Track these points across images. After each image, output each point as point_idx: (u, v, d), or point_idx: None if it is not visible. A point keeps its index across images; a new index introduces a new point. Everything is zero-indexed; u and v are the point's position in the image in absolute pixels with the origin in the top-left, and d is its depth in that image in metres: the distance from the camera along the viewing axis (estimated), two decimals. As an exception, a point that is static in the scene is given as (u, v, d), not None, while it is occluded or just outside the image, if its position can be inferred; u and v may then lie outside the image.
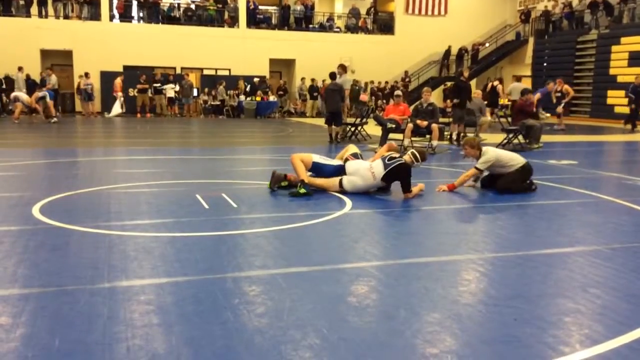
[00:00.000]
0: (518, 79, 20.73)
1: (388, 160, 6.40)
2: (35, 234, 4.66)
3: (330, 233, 5.00)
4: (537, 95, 16.25)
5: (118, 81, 22.26)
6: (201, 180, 7.53)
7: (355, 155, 6.85)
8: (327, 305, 3.25)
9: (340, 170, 6.71)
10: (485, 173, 7.08)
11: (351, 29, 28.35)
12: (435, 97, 25.59)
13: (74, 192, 6.50)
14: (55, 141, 13.55)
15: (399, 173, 6.34)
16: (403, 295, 3.45)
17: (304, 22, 27.48)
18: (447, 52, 27.89)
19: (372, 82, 26.50)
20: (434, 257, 4.27)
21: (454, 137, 13.33)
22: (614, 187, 7.78)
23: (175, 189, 6.93)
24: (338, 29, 28.47)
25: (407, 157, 6.53)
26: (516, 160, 6.97)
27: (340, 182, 6.46)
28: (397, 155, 6.54)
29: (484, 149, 6.97)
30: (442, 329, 2.96)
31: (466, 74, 14.43)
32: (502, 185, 6.91)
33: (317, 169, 6.85)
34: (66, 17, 24.19)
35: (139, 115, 22.55)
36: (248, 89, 24.27)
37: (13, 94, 19.26)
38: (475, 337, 2.86)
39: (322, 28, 27.99)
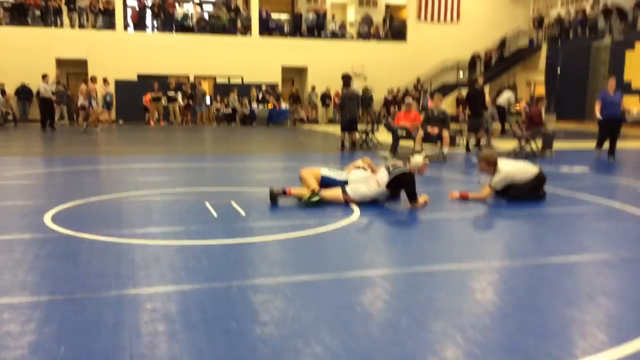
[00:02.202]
0: (510, 87, 20.74)
1: (392, 169, 6.40)
2: (46, 242, 4.73)
3: (336, 242, 5.01)
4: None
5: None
6: (211, 188, 7.58)
7: (358, 168, 6.94)
8: (330, 314, 3.26)
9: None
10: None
11: (363, 36, 28.41)
12: (448, 104, 25.66)
13: (85, 200, 6.58)
14: (71, 149, 13.71)
15: (403, 181, 6.32)
16: (407, 304, 3.45)
17: (316, 30, 27.60)
18: (472, 60, 27.82)
19: (390, 90, 26.38)
20: (439, 266, 4.26)
21: (471, 145, 13.21)
22: (626, 195, 7.71)
23: (185, 197, 6.99)
24: (350, 36, 28.54)
25: (410, 166, 6.50)
26: (529, 170, 6.91)
27: (343, 189, 6.45)
28: (401, 164, 6.52)
29: (499, 166, 6.86)
30: (445, 338, 2.96)
31: (480, 80, 14.26)
32: (514, 193, 6.86)
33: (327, 183, 6.85)
34: (81, 26, 24.56)
35: (152, 123, 22.74)
36: (260, 96, 24.39)
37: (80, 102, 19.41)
38: (478, 346, 2.86)
39: (334, 35, 28.08)
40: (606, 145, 11.67)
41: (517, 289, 3.78)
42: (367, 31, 28.45)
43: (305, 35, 27.42)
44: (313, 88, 26.02)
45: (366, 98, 25.84)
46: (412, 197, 6.30)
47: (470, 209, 6.42)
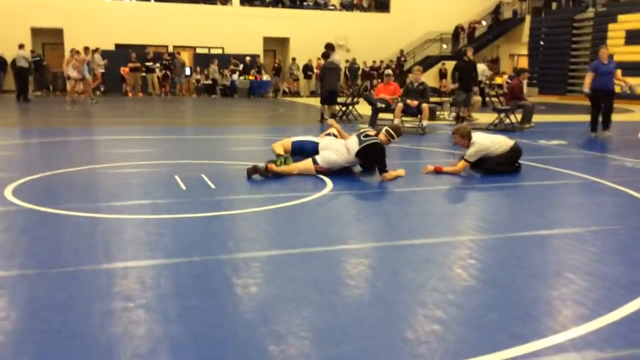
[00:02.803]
0: (492, 60, 20.17)
1: (363, 137, 6.28)
2: (4, 216, 4.57)
3: (305, 215, 4.92)
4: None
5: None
6: (184, 161, 7.42)
7: (328, 135, 6.80)
8: (292, 288, 3.17)
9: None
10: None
11: (346, 6, 28.01)
12: (431, 76, 25.51)
13: (52, 172, 6.39)
14: (44, 121, 13.40)
15: (372, 152, 6.22)
16: (372, 279, 3.38)
17: (299, 0, 27.16)
18: (456, 31, 27.58)
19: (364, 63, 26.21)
20: (407, 241, 4.19)
21: (451, 118, 12.99)
22: (602, 168, 7.69)
23: (155, 170, 6.82)
24: (333, 7, 28.12)
25: (382, 136, 6.38)
26: (505, 143, 6.85)
27: (314, 159, 6.34)
28: (373, 133, 6.40)
29: (473, 138, 6.79)
30: (406, 314, 2.89)
31: (470, 53, 13.15)
32: (488, 167, 6.79)
33: (300, 147, 6.75)
34: (57, -6, 23.84)
35: (130, 94, 22.33)
36: (241, 67, 24.01)
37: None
38: (439, 323, 2.78)
39: (317, 6, 27.65)
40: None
41: (484, 264, 3.71)
42: (350, 1, 28.03)
43: (287, 5, 26.96)
44: (293, 60, 25.66)
45: (353, 69, 25.63)
46: (382, 169, 6.20)
47: (443, 183, 6.34)
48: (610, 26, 22.77)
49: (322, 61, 13.67)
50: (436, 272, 3.53)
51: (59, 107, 16.62)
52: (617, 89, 11.37)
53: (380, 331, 2.69)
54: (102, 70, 21.41)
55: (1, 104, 17.84)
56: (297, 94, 25.58)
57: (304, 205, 5.17)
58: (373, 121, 11.59)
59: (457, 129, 7.02)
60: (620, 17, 22.54)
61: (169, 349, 2.47)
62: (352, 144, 6.29)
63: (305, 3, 27.39)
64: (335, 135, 6.90)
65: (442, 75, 26.08)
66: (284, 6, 26.82)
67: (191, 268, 3.48)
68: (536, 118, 13.49)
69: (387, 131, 6.45)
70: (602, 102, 10.73)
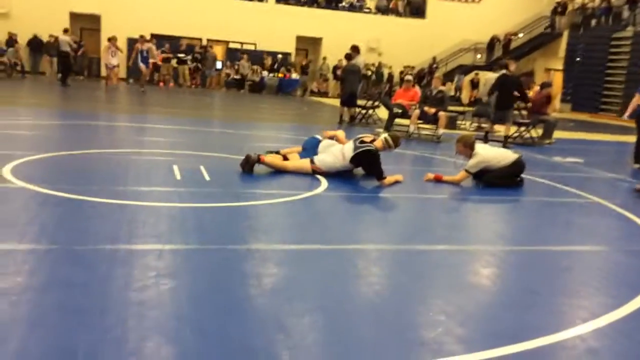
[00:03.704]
0: (495, 69, 19.09)
1: (359, 143, 6.28)
2: (-4, 192, 4.73)
3: (289, 213, 4.96)
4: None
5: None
6: (190, 152, 7.52)
7: (331, 138, 6.77)
8: (236, 282, 3.21)
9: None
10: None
11: (381, 10, 27.94)
12: (464, 86, 25.25)
13: (55, 153, 6.56)
14: (71, 104, 13.73)
15: (365, 159, 6.21)
16: (328, 282, 3.39)
17: (334, 0, 27.17)
18: (491, 42, 27.25)
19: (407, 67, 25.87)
20: (373, 245, 4.20)
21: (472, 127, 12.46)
22: (609, 189, 7.52)
23: (157, 159, 6.94)
24: (368, 10, 28.08)
25: (378, 143, 6.34)
26: (507, 157, 6.77)
27: (312, 159, 6.37)
28: (369, 139, 6.39)
29: (475, 149, 6.73)
30: (334, 321, 2.90)
31: (512, 67, 11.53)
32: (489, 179, 6.73)
33: (311, 145, 6.76)
34: (98, -20, 24.38)
35: (162, 84, 22.68)
36: (275, 65, 24.14)
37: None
38: (369, 331, 2.79)
39: (352, 8, 27.65)
40: None
41: (417, 272, 3.71)
42: (385, 5, 27.96)
43: (322, 5, 27.02)
44: (324, 59, 25.70)
45: (378, 74, 25.57)
46: (378, 176, 6.18)
47: (439, 192, 6.30)
48: (649, 46, 22.23)
49: (344, 62, 13.68)
50: (387, 280, 3.53)
51: (91, 92, 16.99)
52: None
53: (314, 335, 2.71)
54: (154, 61, 20.79)
55: (34, 85, 18.32)
56: (325, 94, 25.62)
57: (292, 203, 5.20)
58: (389, 126, 11.56)
59: (461, 138, 6.96)
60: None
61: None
62: (348, 149, 6.30)
63: (340, 4, 27.41)
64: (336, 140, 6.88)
65: (474, 85, 25.77)
66: (318, 6, 26.90)
67: (150, 255, 3.55)
68: (561, 134, 13.29)
69: (385, 139, 6.41)
70: None
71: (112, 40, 18.22)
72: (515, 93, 10.97)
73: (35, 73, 22.48)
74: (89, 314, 2.67)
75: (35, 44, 22.57)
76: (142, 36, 19.07)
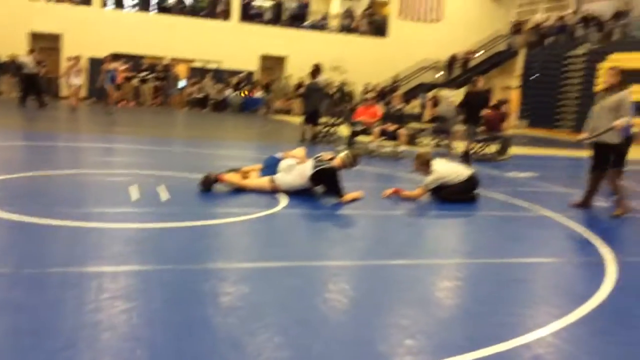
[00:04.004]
0: (451, 88, 19.43)
1: (317, 161, 6.36)
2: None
3: (247, 232, 5.00)
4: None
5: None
6: (150, 172, 7.48)
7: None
8: (192, 302, 3.23)
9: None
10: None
11: (345, 29, 28.33)
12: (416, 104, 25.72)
13: (8, 176, 6.45)
14: (33, 124, 13.50)
15: (324, 177, 6.29)
16: (275, 299, 3.43)
17: (298, 19, 27.45)
18: (451, 60, 27.87)
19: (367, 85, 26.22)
20: (335, 262, 4.28)
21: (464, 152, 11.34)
22: (560, 203, 7.74)
23: (115, 179, 6.88)
24: (332, 29, 28.44)
25: (337, 161, 6.42)
26: (462, 173, 6.95)
27: (272, 178, 6.42)
28: (328, 157, 6.48)
29: (432, 166, 6.88)
30: (267, 334, 2.94)
31: (481, 83, 11.80)
32: (445, 195, 6.88)
33: (271, 164, 6.79)
34: (58, 0, 24.14)
35: (123, 103, 22.48)
36: (240, 83, 24.19)
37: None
38: (324, 346, 2.85)
39: (316, 27, 27.96)
40: None
41: (372, 287, 3.79)
42: (348, 24, 28.37)
43: (286, 24, 27.26)
44: (286, 78, 25.85)
45: (342, 91, 25.87)
46: (337, 193, 6.26)
47: (398, 208, 6.42)
48: (600, 65, 23.03)
49: (307, 81, 13.82)
50: (323, 294, 3.59)
51: (53, 113, 16.71)
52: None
53: (256, 347, 2.75)
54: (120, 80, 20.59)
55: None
56: (288, 112, 25.75)
57: (247, 222, 5.23)
58: (350, 143, 11.70)
59: (419, 155, 7.11)
60: (612, 56, 22.80)
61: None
62: (307, 168, 6.37)
63: (304, 23, 27.70)
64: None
65: (434, 103, 26.24)
66: (282, 25, 27.12)
67: (118, 276, 3.54)
68: (517, 150, 13.64)
69: (343, 157, 6.49)
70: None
71: (75, 59, 17.94)
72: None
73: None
74: (40, 337, 2.66)
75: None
76: (114, 56, 18.77)
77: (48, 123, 14.03)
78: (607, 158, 6.73)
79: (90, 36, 23.35)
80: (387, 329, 3.08)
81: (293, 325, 3.03)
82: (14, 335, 2.66)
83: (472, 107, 11.24)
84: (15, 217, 4.65)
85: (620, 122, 6.42)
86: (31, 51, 18.79)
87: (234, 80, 24.19)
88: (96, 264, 3.75)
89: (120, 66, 19.10)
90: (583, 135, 6.93)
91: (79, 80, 17.84)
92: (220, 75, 24.44)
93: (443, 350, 2.86)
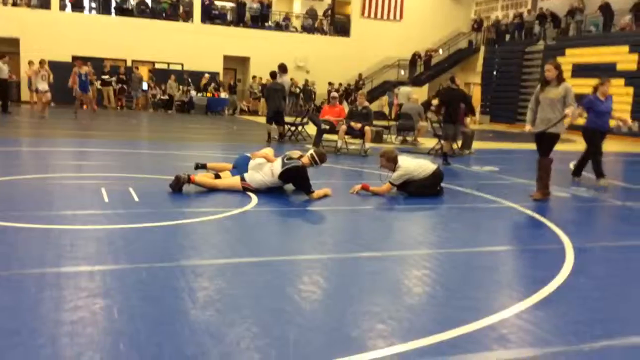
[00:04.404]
0: (406, 84, 19.53)
1: (287, 160, 6.50)
2: None
3: (219, 230, 5.07)
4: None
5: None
6: (118, 174, 7.48)
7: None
8: (168, 298, 3.31)
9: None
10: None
11: (308, 29, 28.47)
12: (385, 100, 26.07)
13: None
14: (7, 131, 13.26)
15: (293, 175, 6.43)
16: (250, 292, 3.54)
17: (260, 20, 27.47)
18: (413, 58, 28.25)
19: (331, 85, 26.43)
20: (306, 256, 4.41)
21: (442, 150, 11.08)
22: (522, 194, 8.02)
23: (84, 182, 6.89)
24: (294, 29, 28.56)
25: (305, 159, 6.57)
26: (427, 168, 7.15)
27: (242, 177, 6.53)
28: (296, 156, 6.62)
29: (398, 162, 7.05)
30: (273, 325, 3.06)
31: (459, 80, 11.50)
32: (412, 190, 7.08)
33: (242, 163, 6.86)
34: (15, 4, 23.67)
35: (85, 106, 22.14)
36: (207, 84, 24.05)
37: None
38: (301, 333, 2.97)
39: (279, 27, 28.04)
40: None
41: (343, 278, 3.94)
42: (311, 24, 28.53)
43: (249, 25, 27.25)
44: (254, 78, 25.89)
45: (307, 91, 26.02)
46: (306, 190, 6.41)
47: (367, 203, 6.59)
48: (559, 59, 23.68)
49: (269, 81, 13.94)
50: (326, 284, 3.73)
51: (18, 118, 16.40)
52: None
53: (230, 338, 2.86)
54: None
55: None
56: (255, 112, 25.77)
57: (219, 220, 5.32)
58: (317, 141, 11.85)
59: (384, 152, 7.28)
60: (568, 51, 23.51)
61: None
62: (277, 166, 6.50)
63: (266, 24, 27.74)
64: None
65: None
66: (245, 26, 27.10)
67: (94, 275, 3.59)
68: (480, 145, 13.99)
69: (311, 155, 6.63)
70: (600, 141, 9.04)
71: (42, 63, 17.65)
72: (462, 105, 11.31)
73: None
74: (19, 335, 2.71)
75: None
76: (78, 60, 18.51)
77: (14, 129, 13.78)
78: (552, 147, 7.13)
79: (49, 40, 22.96)
80: (359, 316, 3.22)
81: (269, 316, 3.14)
82: (-6, 334, 2.71)
83: (451, 105, 10.91)
84: (-15, 222, 4.64)
85: (571, 110, 6.80)
86: (2, 56, 18.33)
87: (203, 81, 24.03)
88: (72, 264, 3.79)
89: (90, 70, 18.84)
90: (529, 128, 7.29)
91: (45, 85, 17.51)
92: (184, 77, 24.28)
93: (413, 333, 3.01)
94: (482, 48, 28.76)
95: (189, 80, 24.01)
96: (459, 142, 12.64)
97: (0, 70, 17.27)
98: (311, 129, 14.43)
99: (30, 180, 6.77)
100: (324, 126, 11.90)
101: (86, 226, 4.76)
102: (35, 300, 3.15)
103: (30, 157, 9.29)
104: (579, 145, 16.48)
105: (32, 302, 3.12)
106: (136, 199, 5.93)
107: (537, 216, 6.24)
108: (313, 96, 25.90)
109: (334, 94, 13.12)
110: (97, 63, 22.84)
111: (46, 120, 16.34)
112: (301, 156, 6.63)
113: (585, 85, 21.97)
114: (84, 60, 22.08)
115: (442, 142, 11.18)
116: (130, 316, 3.02)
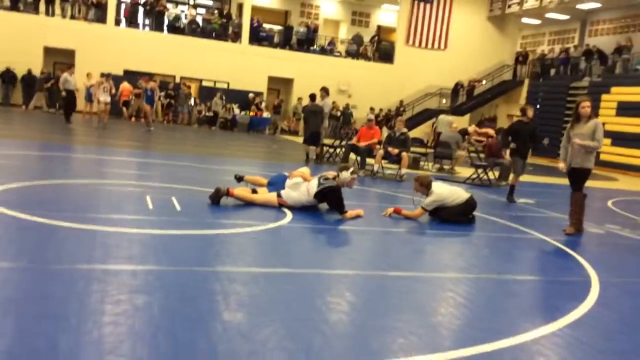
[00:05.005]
0: (447, 113, 19.46)
1: (323, 180, 6.72)
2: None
3: (254, 241, 5.30)
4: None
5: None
6: (163, 184, 7.82)
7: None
8: (204, 299, 3.54)
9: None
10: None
11: (352, 54, 28.91)
12: (428, 128, 26.17)
13: (34, 182, 6.82)
14: (51, 137, 13.91)
15: (328, 195, 6.66)
16: (280, 299, 3.74)
17: (306, 43, 28.04)
18: (456, 88, 28.39)
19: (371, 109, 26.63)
20: (336, 271, 4.60)
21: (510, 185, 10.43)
22: (555, 227, 8.05)
23: (131, 189, 7.25)
24: (339, 53, 29.03)
25: (339, 180, 6.81)
26: (460, 195, 7.26)
27: (279, 193, 6.78)
28: (332, 176, 6.84)
29: (432, 188, 7.21)
30: (300, 330, 3.25)
31: (530, 112, 10.53)
32: (444, 216, 7.20)
33: (279, 181, 7.14)
34: (72, 17, 24.83)
35: (133, 119, 22.95)
36: (258, 103, 24.70)
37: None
38: (325, 339, 3.15)
39: (324, 51, 28.55)
40: None
41: (370, 294, 4.09)
42: (356, 50, 28.96)
43: (294, 48, 27.85)
44: (299, 99, 26.37)
45: (346, 115, 26.37)
46: (340, 210, 6.63)
47: (398, 226, 6.74)
48: (604, 96, 23.47)
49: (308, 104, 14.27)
50: (353, 298, 3.91)
51: (80, 128, 17.17)
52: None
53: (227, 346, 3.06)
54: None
55: (7, 117, 18.39)
56: (295, 132, 26.19)
57: (257, 232, 5.56)
58: (362, 164, 12.11)
59: (418, 177, 7.44)
60: (614, 89, 23.27)
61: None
62: (313, 185, 6.74)
63: (312, 47, 28.29)
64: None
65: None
66: (291, 49, 27.71)
67: (137, 274, 3.86)
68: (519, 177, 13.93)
69: (343, 177, 6.88)
70: None
71: (106, 76, 18.50)
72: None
73: (7, 105, 22.60)
74: (68, 321, 2.97)
75: (9, 77, 22.81)
76: (151, 77, 19.38)
77: (74, 137, 14.46)
78: (584, 182, 7.29)
79: (103, 53, 23.94)
80: (381, 329, 3.38)
81: (296, 322, 3.34)
82: (41, 319, 2.97)
83: (521, 138, 10.05)
84: (41, 220, 4.99)
85: (592, 143, 6.96)
86: (69, 67, 19.06)
87: (256, 99, 24.69)
88: (117, 262, 4.08)
89: (156, 85, 19.77)
90: (562, 165, 7.34)
91: (107, 97, 18.33)
92: (229, 95, 24.94)
93: (431, 348, 3.16)
94: (526, 81, 28.65)
95: (248, 99, 24.60)
96: (496, 173, 12.68)
97: (67, 82, 18.02)
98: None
99: (83, 185, 7.17)
100: (360, 149, 12.12)
101: (131, 229, 5.06)
102: (83, 292, 3.42)
103: (86, 164, 9.77)
104: (622, 184, 16.29)
105: (80, 294, 3.39)
106: (178, 208, 6.23)
107: (567, 249, 6.28)
108: (352, 120, 26.17)
109: (370, 116, 13.36)
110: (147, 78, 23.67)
111: (106, 130, 17.06)
112: (336, 177, 6.85)
113: (629, 124, 21.85)
114: (137, 74, 23.09)
115: (511, 175, 10.62)
116: (168, 312, 3.26)
